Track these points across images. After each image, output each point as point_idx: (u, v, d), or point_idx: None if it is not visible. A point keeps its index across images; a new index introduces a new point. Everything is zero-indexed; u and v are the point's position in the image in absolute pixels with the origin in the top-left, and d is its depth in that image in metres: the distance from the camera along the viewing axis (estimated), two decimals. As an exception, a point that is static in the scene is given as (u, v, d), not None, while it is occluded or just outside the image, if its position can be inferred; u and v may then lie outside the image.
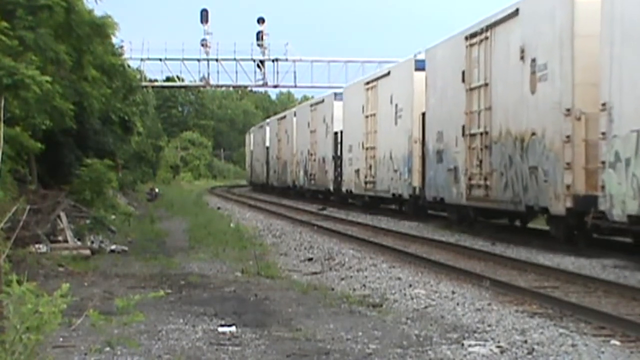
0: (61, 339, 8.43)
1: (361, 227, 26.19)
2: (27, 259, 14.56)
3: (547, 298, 11.84)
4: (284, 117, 56.43)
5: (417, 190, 28.42)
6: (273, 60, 55.80)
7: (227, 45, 67.82)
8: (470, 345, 8.84)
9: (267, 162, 61.81)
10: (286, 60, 55.94)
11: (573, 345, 8.88)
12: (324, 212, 34.69)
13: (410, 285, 13.59)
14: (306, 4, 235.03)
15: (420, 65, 28.07)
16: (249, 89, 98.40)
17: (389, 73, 32.05)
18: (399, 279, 14.43)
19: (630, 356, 8.57)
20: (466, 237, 22.07)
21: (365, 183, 34.27)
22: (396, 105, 30.21)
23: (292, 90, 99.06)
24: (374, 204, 34.96)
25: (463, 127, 23.86)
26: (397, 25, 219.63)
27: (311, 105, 47.23)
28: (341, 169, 39.34)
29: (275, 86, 58.96)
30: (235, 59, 55.58)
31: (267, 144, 62.01)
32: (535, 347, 8.77)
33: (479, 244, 20.20)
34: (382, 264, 16.67)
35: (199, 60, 55.31)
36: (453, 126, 24.68)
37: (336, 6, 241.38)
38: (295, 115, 51.96)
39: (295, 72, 56.10)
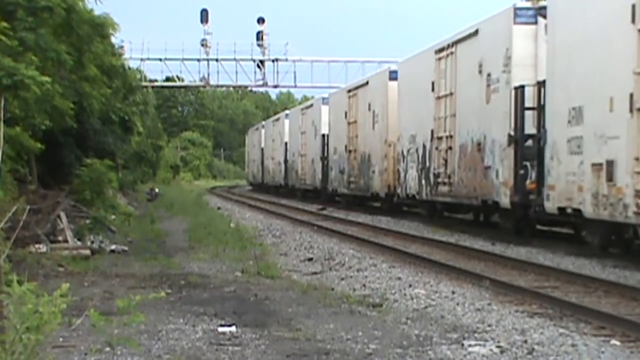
0: (61, 339, 8.43)
1: (361, 227, 26.19)
2: (27, 259, 14.56)
3: (547, 298, 11.84)
4: (278, 119, 57.32)
5: (392, 189, 31.76)
6: (273, 60, 55.82)
7: (227, 45, 67.80)
8: (470, 345, 8.84)
9: (262, 163, 63.07)
10: (286, 60, 55.99)
11: (573, 345, 8.88)
12: (324, 212, 34.71)
13: (410, 285, 13.59)
14: (306, 4, 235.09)
15: (394, 76, 31.69)
16: (249, 89, 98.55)
17: (367, 83, 35.50)
18: (399, 279, 14.44)
19: (630, 356, 8.57)
20: (466, 237, 22.08)
21: (349, 183, 37.52)
22: (373, 112, 33.57)
23: (292, 90, 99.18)
24: (356, 201, 37.99)
25: (432, 131, 26.88)
26: (397, 25, 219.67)
27: (302, 109, 49.44)
28: (327, 170, 41.94)
29: (275, 86, 59.01)
30: (235, 59, 55.63)
31: (262, 145, 62.97)
32: (535, 347, 8.77)
33: (479, 244, 20.21)
34: (382, 264, 16.67)
35: (199, 60, 55.35)
36: (423, 130, 27.85)
37: (336, 6, 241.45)
38: (287, 117, 52.93)
39: (295, 72, 56.22)
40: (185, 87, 77.94)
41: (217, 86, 67.92)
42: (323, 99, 43.88)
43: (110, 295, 11.75)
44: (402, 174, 29.93)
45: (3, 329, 5.86)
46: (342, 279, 14.72)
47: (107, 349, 7.57)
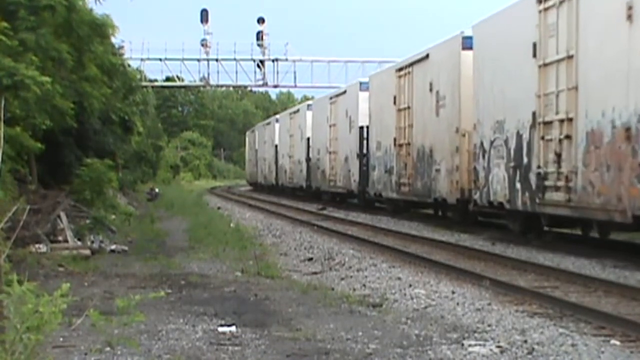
0: (61, 339, 8.43)
1: (361, 227, 26.18)
2: (27, 259, 14.57)
3: (547, 298, 11.84)
4: (296, 111, 52.17)
5: (466, 193, 25.49)
6: (273, 60, 55.86)
7: (227, 45, 67.95)
8: (470, 345, 8.84)
9: (276, 161, 59.75)
10: (286, 60, 56.03)
11: (573, 345, 8.88)
12: (324, 212, 34.71)
13: (410, 285, 13.59)
14: (306, 4, 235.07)
15: (469, 43, 26.46)
16: (249, 89, 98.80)
17: (427, 56, 30.01)
18: (399, 278, 14.43)
19: (630, 356, 8.57)
20: (466, 237, 22.08)
21: (399, 185, 30.80)
22: (437, 93, 26.86)
23: (292, 90, 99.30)
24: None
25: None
26: (397, 25, 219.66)
27: (330, 98, 42.74)
28: (368, 169, 37.58)
29: (275, 86, 59.06)
30: (235, 59, 55.67)
31: (276, 141, 58.95)
32: (535, 347, 8.77)
33: (479, 244, 20.20)
34: (382, 263, 16.67)
35: (199, 60, 55.38)
36: (517, 113, 24.28)
37: (336, 6, 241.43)
38: (309, 109, 48.45)
39: (295, 72, 56.30)
40: (185, 87, 78.02)
41: (217, 86, 67.98)
42: (361, 83, 36.66)
43: (110, 295, 11.75)
44: (481, 174, 22.38)
45: (3, 329, 5.86)
46: (342, 278, 14.72)
47: (107, 349, 7.58)
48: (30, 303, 5.78)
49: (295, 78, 56.61)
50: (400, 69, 29.87)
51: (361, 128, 35.61)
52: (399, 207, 31.06)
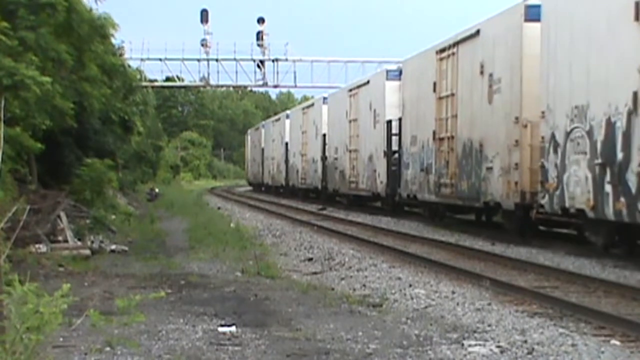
0: (61, 339, 8.43)
1: (361, 227, 26.18)
2: (27, 259, 14.58)
3: (547, 298, 11.84)
4: (310, 105, 48.34)
5: (529, 197, 20.39)
6: (273, 60, 55.81)
7: (227, 45, 67.89)
8: (470, 345, 8.84)
9: (286, 161, 55.96)
10: (286, 60, 55.98)
11: (573, 345, 8.88)
12: (324, 212, 34.70)
13: (410, 285, 13.59)
14: (306, 4, 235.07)
15: (533, 14, 22.63)
16: (249, 89, 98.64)
17: (477, 32, 26.56)
18: (399, 278, 14.43)
19: (630, 356, 8.57)
20: (466, 237, 22.07)
21: (438, 186, 25.78)
22: (490, 76, 22.08)
23: (292, 90, 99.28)
24: (450, 213, 34.43)
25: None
26: (398, 25, 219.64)
27: (349, 90, 38.43)
28: (400, 168, 31.45)
29: (276, 86, 59.01)
30: (235, 59, 55.63)
31: (287, 139, 55.41)
32: (535, 347, 8.77)
33: (479, 244, 20.19)
34: (382, 263, 16.67)
35: (199, 60, 55.35)
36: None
37: (336, 6, 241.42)
38: (325, 102, 43.98)
39: (295, 72, 56.23)
40: (185, 87, 78.02)
41: (217, 86, 67.96)
42: (388, 71, 32.20)
43: (110, 295, 11.75)
44: (551, 174, 18.29)
45: (3, 329, 5.86)
46: (342, 278, 14.72)
47: (107, 349, 7.59)
48: (31, 303, 5.78)
49: (295, 78, 56.61)
50: (442, 50, 25.33)
51: (389, 122, 31.42)
52: (437, 212, 26.91)
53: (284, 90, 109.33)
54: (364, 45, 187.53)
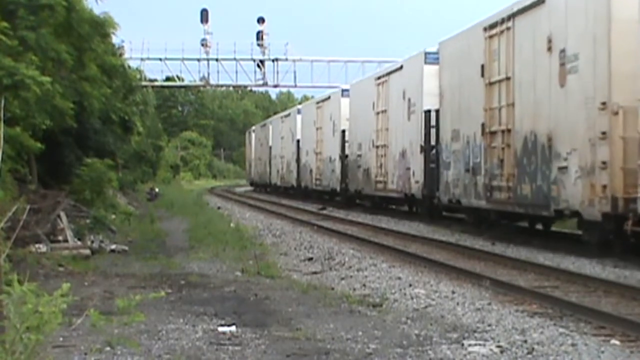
0: (61, 339, 8.43)
1: (361, 227, 26.17)
2: (27, 259, 14.56)
3: (547, 298, 11.83)
4: (327, 98, 43.83)
5: (621, 207, 16.22)
6: (273, 60, 55.81)
7: (227, 45, 68.05)
8: (470, 345, 8.84)
9: (298, 159, 52.43)
10: (286, 60, 55.98)
11: (573, 345, 8.88)
12: (324, 212, 34.70)
13: (410, 285, 13.59)
14: (306, 4, 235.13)
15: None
16: (249, 88, 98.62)
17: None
18: (399, 278, 14.43)
19: (630, 356, 8.57)
20: (466, 237, 22.06)
21: (489, 189, 21.50)
22: (562, 54, 17.74)
23: (292, 90, 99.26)
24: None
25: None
26: (397, 25, 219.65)
27: (376, 79, 34.21)
28: (438, 167, 26.99)
29: (276, 86, 59.02)
30: (235, 59, 55.63)
31: (298, 136, 51.72)
32: (535, 346, 8.77)
33: (479, 244, 20.19)
34: (382, 263, 16.67)
35: (199, 60, 55.35)
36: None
37: (336, 6, 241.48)
38: (344, 95, 40.04)
39: (295, 72, 56.24)
40: (185, 87, 78.01)
41: (217, 86, 67.97)
42: (427, 54, 27.70)
43: (110, 295, 11.75)
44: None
45: (3, 328, 5.86)
46: (342, 278, 14.72)
47: (107, 348, 7.59)
48: (30, 303, 5.77)
49: (295, 78, 56.61)
50: (492, 26, 21.29)
51: (427, 112, 27.10)
52: (487, 220, 22.65)
53: (284, 90, 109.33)
54: (364, 45, 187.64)
